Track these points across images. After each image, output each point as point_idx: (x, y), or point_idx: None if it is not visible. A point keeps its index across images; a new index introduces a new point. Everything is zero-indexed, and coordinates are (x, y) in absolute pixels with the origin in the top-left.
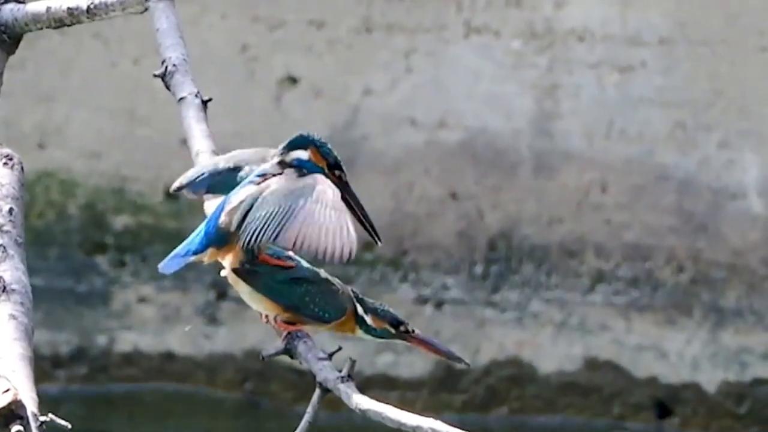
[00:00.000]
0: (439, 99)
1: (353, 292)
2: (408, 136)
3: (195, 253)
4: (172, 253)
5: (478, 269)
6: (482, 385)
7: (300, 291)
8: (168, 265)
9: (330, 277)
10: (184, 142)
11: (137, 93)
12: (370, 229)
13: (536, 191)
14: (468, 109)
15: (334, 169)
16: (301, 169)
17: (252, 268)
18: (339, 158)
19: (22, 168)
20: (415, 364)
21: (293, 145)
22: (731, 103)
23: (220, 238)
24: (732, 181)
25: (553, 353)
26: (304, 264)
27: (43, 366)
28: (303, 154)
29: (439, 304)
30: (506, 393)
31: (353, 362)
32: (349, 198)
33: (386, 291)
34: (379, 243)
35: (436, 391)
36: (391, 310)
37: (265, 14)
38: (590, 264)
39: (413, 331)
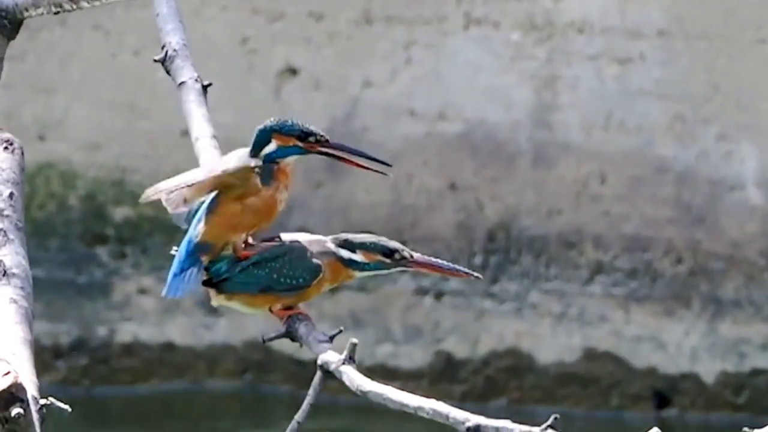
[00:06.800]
0: (438, 91)
1: (333, 240)
2: (407, 127)
3: (186, 266)
4: (171, 276)
5: (477, 260)
6: (481, 376)
7: (264, 272)
8: (174, 288)
9: (296, 241)
10: (185, 133)
11: (137, 85)
12: (374, 164)
13: (535, 183)
14: (467, 101)
15: (307, 139)
16: (274, 160)
17: (218, 278)
18: (304, 125)
19: (22, 153)
20: (414, 354)
21: (258, 144)
22: (729, 96)
23: (204, 247)
24: (730, 173)
25: (552, 344)
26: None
27: (43, 357)
28: (271, 147)
29: (438, 296)
30: (505, 383)
31: (354, 344)
32: (337, 151)
33: (386, 282)
34: (389, 174)
35: (435, 381)
36: (383, 240)
37: (264, 6)
38: (589, 255)
39: (412, 257)
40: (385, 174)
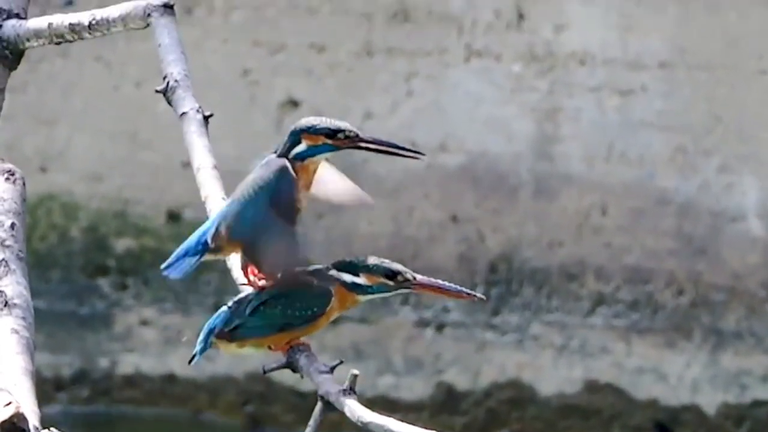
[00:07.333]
0: (439, 122)
1: (334, 265)
2: (408, 159)
3: (195, 254)
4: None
5: (479, 292)
6: (483, 408)
7: (278, 310)
8: (174, 268)
9: (301, 276)
10: (186, 164)
11: (139, 116)
12: (406, 152)
13: (537, 214)
14: (468, 133)
15: (336, 135)
16: (303, 159)
17: (229, 327)
18: (333, 122)
19: (24, 183)
20: (415, 386)
21: (291, 144)
22: (731, 127)
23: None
24: (731, 205)
25: (554, 376)
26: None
27: (45, 388)
28: (300, 147)
29: (440, 327)
30: (507, 415)
31: (355, 375)
32: (368, 145)
33: (387, 314)
34: (423, 157)
35: (437, 413)
36: (386, 262)
37: (266, 38)
38: (590, 287)
39: (414, 278)
40: (420, 159)
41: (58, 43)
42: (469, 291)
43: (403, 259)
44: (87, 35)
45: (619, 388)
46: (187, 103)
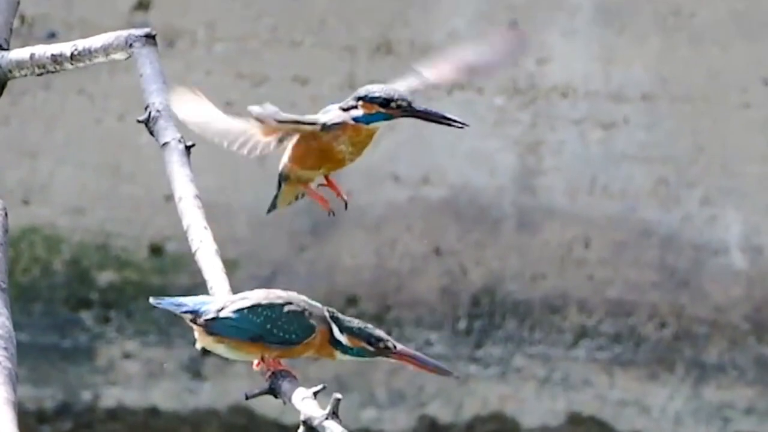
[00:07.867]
0: (422, 155)
1: (329, 311)
2: (391, 192)
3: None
4: None
5: (462, 325)
6: None
7: (259, 320)
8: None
9: (296, 301)
10: (169, 197)
11: (122, 149)
12: (454, 122)
13: (519, 247)
14: (451, 166)
15: (389, 105)
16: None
17: (209, 318)
18: (388, 92)
19: (6, 214)
20: (398, 418)
21: (350, 107)
22: (714, 160)
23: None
24: (714, 238)
25: (537, 408)
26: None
27: (27, 421)
28: (357, 111)
29: None
30: None
31: (338, 400)
32: (422, 115)
33: None
34: (465, 125)
35: None
36: (369, 327)
37: (249, 71)
38: (573, 320)
39: (395, 347)
40: (463, 128)
41: (41, 74)
42: (445, 368)
43: (386, 291)
44: (69, 66)
45: (602, 421)
46: (168, 133)
